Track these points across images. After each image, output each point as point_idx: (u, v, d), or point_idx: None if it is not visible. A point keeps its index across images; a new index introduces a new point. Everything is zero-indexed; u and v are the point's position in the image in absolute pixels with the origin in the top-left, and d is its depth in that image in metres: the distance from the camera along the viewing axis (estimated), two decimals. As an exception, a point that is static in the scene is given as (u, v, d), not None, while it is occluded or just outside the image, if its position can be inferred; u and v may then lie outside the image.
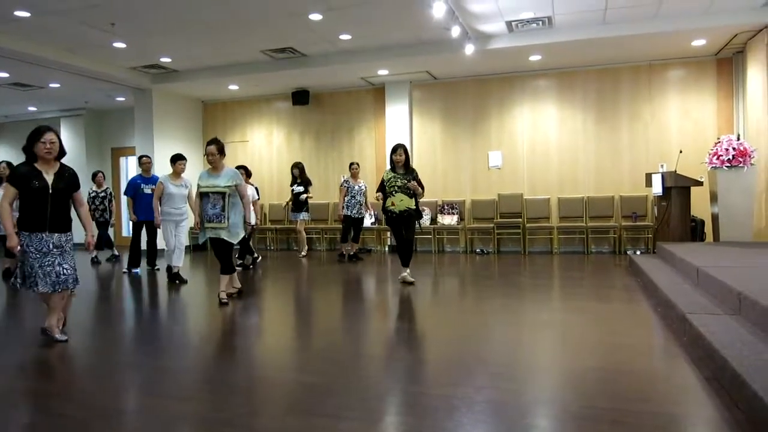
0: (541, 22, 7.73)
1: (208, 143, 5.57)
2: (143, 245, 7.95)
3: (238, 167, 7.87)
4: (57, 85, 10.37)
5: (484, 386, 3.07)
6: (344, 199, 8.87)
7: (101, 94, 11.07)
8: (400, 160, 6.31)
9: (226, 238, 5.43)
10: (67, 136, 12.84)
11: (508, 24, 7.81)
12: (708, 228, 7.96)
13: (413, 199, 6.26)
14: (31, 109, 12.74)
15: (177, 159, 7.12)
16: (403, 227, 6.33)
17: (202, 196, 5.46)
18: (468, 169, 10.17)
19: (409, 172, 6.33)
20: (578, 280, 6.91)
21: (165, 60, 9.38)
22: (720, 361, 2.93)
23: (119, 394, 3.15)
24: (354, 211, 8.88)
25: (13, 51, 7.95)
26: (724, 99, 8.86)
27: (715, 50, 8.61)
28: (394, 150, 6.35)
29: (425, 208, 9.99)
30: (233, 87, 10.72)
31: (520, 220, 9.53)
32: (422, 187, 6.33)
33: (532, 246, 9.71)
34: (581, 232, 9.37)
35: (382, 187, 6.39)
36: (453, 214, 9.86)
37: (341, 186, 9.01)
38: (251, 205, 8.00)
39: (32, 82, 10.07)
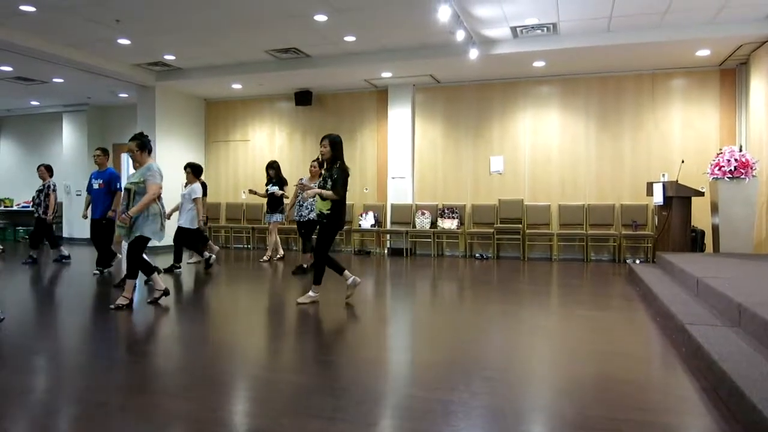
0: (545, 29, 7.74)
1: (129, 139, 5.33)
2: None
3: (187, 164, 7.67)
4: (60, 81, 10.37)
5: (481, 391, 3.06)
6: (294, 203, 7.80)
7: (104, 90, 11.07)
8: (324, 153, 5.25)
9: (123, 236, 5.20)
10: (69, 131, 12.87)
11: (513, 29, 7.81)
12: (708, 239, 7.95)
13: (327, 201, 5.18)
14: (34, 103, 12.75)
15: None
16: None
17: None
18: (469, 173, 10.16)
19: (329, 169, 5.26)
20: (577, 287, 6.90)
21: (169, 58, 9.38)
22: (719, 373, 2.92)
23: (112, 392, 3.13)
24: (303, 213, 7.42)
25: (17, 45, 7.94)
26: (726, 110, 8.86)
27: (718, 61, 8.61)
28: (321, 141, 5.32)
29: (426, 211, 9.99)
30: (236, 86, 10.72)
31: (521, 225, 9.51)
32: (337, 189, 5.11)
33: (531, 252, 9.70)
34: (581, 240, 9.36)
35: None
36: (453, 218, 9.85)
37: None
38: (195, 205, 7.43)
39: (35, 76, 10.07)
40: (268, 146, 11.57)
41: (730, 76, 8.85)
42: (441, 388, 3.10)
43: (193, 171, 7.73)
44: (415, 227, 10.01)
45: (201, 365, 3.66)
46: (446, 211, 9.94)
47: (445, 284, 7.41)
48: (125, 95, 11.51)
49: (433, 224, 10.00)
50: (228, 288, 6.85)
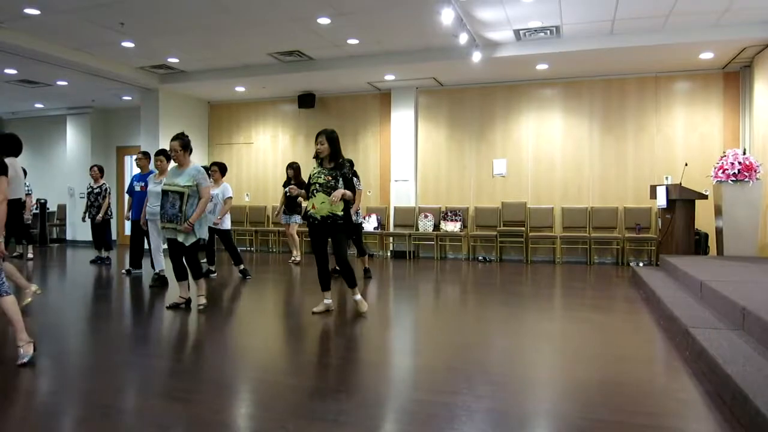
0: (548, 32, 7.74)
1: (172, 138, 5.21)
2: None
3: (213, 164, 7.56)
4: (64, 83, 10.42)
5: (485, 395, 3.06)
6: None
7: (108, 92, 11.11)
8: (322, 151, 4.89)
9: (181, 240, 5.15)
10: (72, 133, 12.91)
11: (516, 32, 7.82)
12: (712, 242, 7.93)
13: (341, 202, 4.86)
14: (38, 106, 12.80)
15: (156, 155, 6.59)
16: (328, 240, 5.02)
17: (163, 194, 5.17)
18: (472, 176, 10.17)
19: (337, 167, 4.92)
20: (580, 290, 6.89)
21: (173, 60, 9.41)
22: (722, 376, 2.91)
23: (116, 394, 3.14)
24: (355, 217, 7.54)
25: (21, 48, 7.98)
26: (730, 113, 8.84)
27: (722, 64, 8.60)
28: (316, 138, 4.96)
29: (429, 214, 10.00)
30: (240, 89, 10.75)
31: (524, 228, 9.51)
32: (353, 191, 4.93)
33: (534, 255, 9.69)
34: (584, 243, 9.34)
35: (307, 186, 5.10)
36: (456, 220, 9.85)
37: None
38: (223, 205, 7.30)
39: (40, 79, 10.12)
40: (271, 149, 11.60)
41: (733, 79, 8.83)
42: (445, 392, 3.10)
43: (221, 170, 7.55)
44: (418, 230, 10.02)
45: (206, 367, 3.67)
46: (449, 213, 9.95)
47: (448, 287, 7.41)
48: (129, 98, 11.55)
49: (436, 227, 10.00)
50: (271, 292, 6.85)
